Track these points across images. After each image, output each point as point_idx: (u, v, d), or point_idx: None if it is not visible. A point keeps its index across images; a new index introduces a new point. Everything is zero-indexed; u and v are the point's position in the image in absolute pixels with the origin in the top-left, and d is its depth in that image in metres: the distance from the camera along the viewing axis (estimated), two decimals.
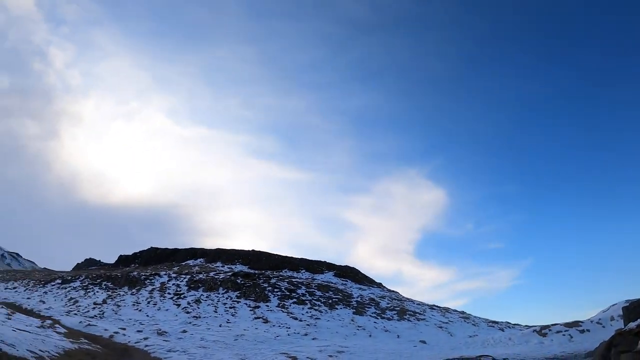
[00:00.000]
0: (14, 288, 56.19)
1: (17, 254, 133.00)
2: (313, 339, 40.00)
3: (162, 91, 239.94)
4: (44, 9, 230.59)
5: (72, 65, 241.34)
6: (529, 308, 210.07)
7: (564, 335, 37.79)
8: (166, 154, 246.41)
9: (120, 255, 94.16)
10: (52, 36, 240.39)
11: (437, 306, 68.26)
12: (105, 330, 35.15)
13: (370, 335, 44.32)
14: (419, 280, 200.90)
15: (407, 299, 73.46)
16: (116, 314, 44.33)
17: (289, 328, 43.46)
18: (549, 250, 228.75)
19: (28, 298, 49.53)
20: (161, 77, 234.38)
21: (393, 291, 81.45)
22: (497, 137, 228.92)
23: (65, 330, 30.99)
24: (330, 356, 32.01)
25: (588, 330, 38.01)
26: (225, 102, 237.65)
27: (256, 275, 63.97)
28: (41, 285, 56.89)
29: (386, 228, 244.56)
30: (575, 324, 39.45)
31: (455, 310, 67.73)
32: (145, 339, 33.57)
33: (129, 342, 32.38)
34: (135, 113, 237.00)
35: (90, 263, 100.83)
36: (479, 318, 62.67)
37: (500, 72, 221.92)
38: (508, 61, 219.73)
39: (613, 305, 43.83)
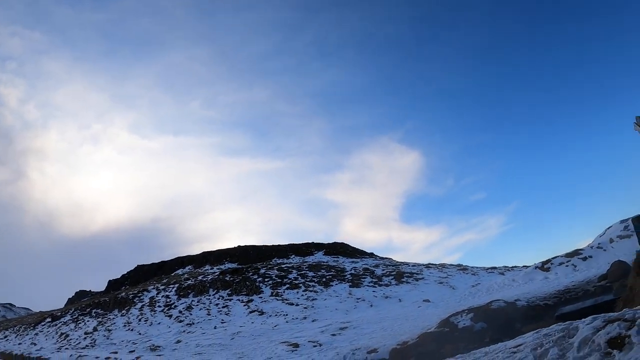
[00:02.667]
0: (5, 337, 54.46)
1: (11, 304, 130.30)
2: (313, 320, 38.50)
3: (122, 108, 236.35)
4: None
5: (26, 100, 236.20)
6: (524, 249, 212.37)
7: (567, 266, 36.57)
8: (138, 170, 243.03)
9: (109, 281, 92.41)
10: (0, 74, 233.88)
11: (433, 264, 67.34)
12: (97, 358, 33.15)
13: (371, 305, 42.89)
14: (411, 244, 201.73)
15: (402, 262, 72.47)
16: (108, 338, 42.54)
17: (286, 315, 41.88)
18: (531, 190, 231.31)
19: (19, 343, 47.82)
20: (119, 94, 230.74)
21: (386, 258, 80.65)
22: (463, 89, 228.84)
23: None
24: (334, 335, 30.52)
25: (590, 257, 36.79)
26: (187, 107, 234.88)
27: (244, 269, 62.16)
28: (32, 328, 55.10)
29: (369, 199, 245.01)
30: (576, 252, 38.27)
31: (452, 265, 66.91)
32: (138, 358, 31.64)
33: None
34: (99, 135, 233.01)
35: (81, 295, 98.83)
36: (477, 267, 61.80)
37: (460, 23, 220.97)
38: (466, 11, 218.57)
39: (608, 227, 42.81)
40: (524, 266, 54.79)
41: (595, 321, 9.00)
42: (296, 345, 28.77)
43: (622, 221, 39.73)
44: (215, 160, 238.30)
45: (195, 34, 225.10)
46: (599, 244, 39.10)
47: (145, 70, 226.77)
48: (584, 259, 37.05)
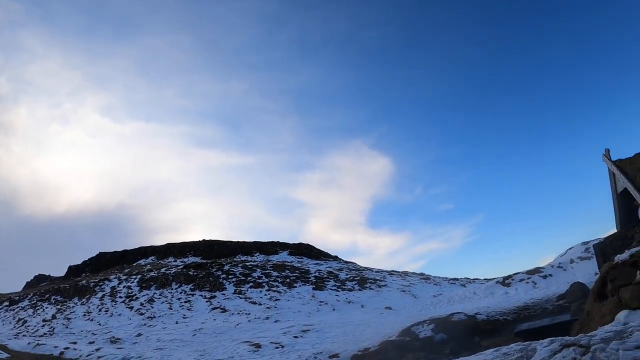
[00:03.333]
0: None
1: None
2: (275, 321, 38.71)
3: (95, 89, 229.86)
4: None
5: None
6: (486, 261, 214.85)
7: (527, 283, 37.42)
8: (107, 154, 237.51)
9: (70, 266, 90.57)
10: None
11: (395, 271, 67.94)
12: (55, 347, 32.77)
13: (334, 309, 43.28)
14: (375, 249, 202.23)
15: (365, 268, 73.00)
16: (67, 327, 42.01)
17: (249, 314, 42.03)
18: (497, 205, 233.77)
19: None
20: (93, 74, 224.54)
21: (350, 262, 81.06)
22: (439, 101, 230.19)
23: (9, 355, 28.70)
24: (296, 337, 30.78)
25: (550, 275, 37.68)
26: (162, 94, 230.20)
27: (208, 265, 62.02)
28: None
29: (337, 202, 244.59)
30: (537, 270, 39.16)
31: (414, 273, 67.63)
32: (98, 350, 31.46)
33: (80, 356, 30.28)
34: (69, 115, 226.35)
35: (40, 279, 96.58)
36: (439, 277, 62.59)
37: (440, 37, 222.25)
38: (447, 26, 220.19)
39: (570, 248, 43.80)
40: (485, 279, 55.71)
41: (552, 344, 9.47)
42: (258, 346, 28.95)
43: (583, 243, 40.67)
44: (185, 151, 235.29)
45: (177, 19, 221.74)
46: (559, 263, 40.01)
47: (122, 52, 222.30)
48: (545, 277, 37.93)
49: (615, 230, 21.98)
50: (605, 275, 12.79)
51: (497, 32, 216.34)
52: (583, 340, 9.00)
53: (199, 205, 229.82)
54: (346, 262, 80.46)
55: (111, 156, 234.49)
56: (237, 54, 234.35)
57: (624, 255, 12.44)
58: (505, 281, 39.02)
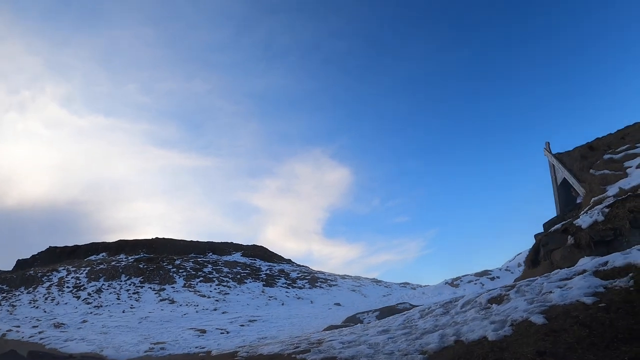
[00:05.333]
0: None
1: None
2: (223, 312, 38.63)
3: (56, 78, 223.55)
4: None
5: None
6: (440, 274, 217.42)
7: (475, 284, 38.29)
8: (63, 148, 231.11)
9: (18, 260, 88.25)
10: None
11: (348, 275, 68.29)
12: None
13: (283, 304, 43.40)
14: (330, 258, 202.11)
15: (318, 271, 73.11)
16: (11, 314, 41.09)
17: (197, 305, 41.79)
18: (452, 219, 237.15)
19: None
20: (55, 62, 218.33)
21: (303, 266, 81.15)
22: (400, 116, 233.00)
23: None
24: (242, 325, 30.83)
25: (498, 277, 38.69)
26: (124, 88, 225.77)
27: (160, 259, 61.42)
28: None
29: (293, 209, 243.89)
30: (485, 272, 40.15)
31: (367, 278, 68.04)
32: (41, 332, 30.93)
33: (22, 337, 29.75)
34: (27, 103, 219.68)
35: None
36: (391, 282, 63.17)
37: (405, 52, 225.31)
38: (412, 42, 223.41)
39: (518, 254, 44.94)
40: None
41: (481, 294, 9.87)
42: (203, 331, 28.94)
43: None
44: (144, 149, 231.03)
45: (144, 12, 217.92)
46: (507, 267, 41.04)
47: (86, 41, 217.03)
48: (492, 278, 38.85)
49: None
50: (539, 243, 13.32)
51: (457, 54, 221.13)
52: (511, 284, 9.42)
53: (154, 206, 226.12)
54: (299, 265, 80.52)
55: (67, 149, 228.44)
56: (202, 53, 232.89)
57: (558, 225, 12.99)
58: (454, 282, 39.82)
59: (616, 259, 8.39)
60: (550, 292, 8.04)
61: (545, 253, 12.66)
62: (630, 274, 7.45)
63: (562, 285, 8.23)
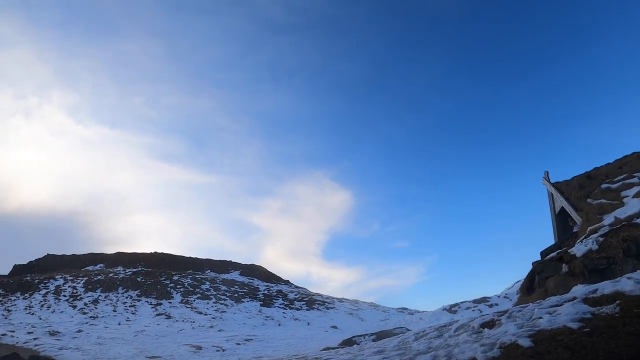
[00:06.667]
0: None
1: None
2: (219, 330, 38.62)
3: (63, 87, 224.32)
4: None
5: None
6: (438, 301, 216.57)
7: (473, 310, 38.30)
8: (66, 156, 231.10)
9: (15, 265, 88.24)
10: None
11: (346, 299, 68.21)
12: None
13: (279, 325, 43.41)
14: (328, 281, 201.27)
15: (316, 293, 73.03)
16: (6, 318, 41.19)
17: (194, 322, 41.80)
18: (452, 246, 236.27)
19: None
20: (63, 71, 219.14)
21: (301, 287, 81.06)
22: (405, 140, 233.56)
23: None
24: (238, 344, 30.84)
25: (496, 304, 38.69)
26: (130, 101, 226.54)
27: (158, 273, 61.45)
28: None
29: (293, 231, 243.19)
30: (484, 299, 40.19)
31: (365, 302, 67.93)
32: (36, 339, 31.01)
33: (17, 342, 29.79)
34: (34, 110, 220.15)
35: None
36: (388, 307, 63.05)
37: (412, 76, 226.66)
38: (420, 67, 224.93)
39: (517, 281, 44.90)
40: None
41: (474, 319, 10.05)
42: (199, 348, 28.96)
43: None
44: (147, 163, 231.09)
45: (156, 27, 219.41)
46: (506, 294, 41.03)
47: (95, 52, 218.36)
48: (490, 305, 38.86)
49: None
50: (534, 270, 13.50)
51: (461, 82, 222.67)
52: (503, 310, 9.60)
53: (154, 220, 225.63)
54: (297, 287, 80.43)
55: (70, 159, 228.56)
56: (209, 70, 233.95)
57: (554, 254, 13.18)
58: (452, 308, 39.80)
59: (605, 287, 8.61)
60: (540, 317, 8.25)
61: (540, 280, 12.86)
62: (618, 301, 7.67)
63: (552, 311, 8.44)
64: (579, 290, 9.68)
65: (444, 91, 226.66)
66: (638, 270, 10.79)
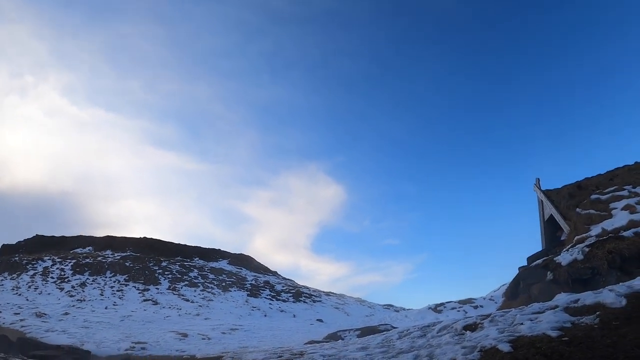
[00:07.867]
0: None
1: None
2: (206, 318, 38.74)
3: (60, 67, 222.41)
4: None
5: None
6: (424, 297, 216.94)
7: (458, 311, 38.62)
8: (60, 137, 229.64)
9: (3, 245, 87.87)
10: None
11: (333, 293, 68.42)
12: None
13: (265, 315, 43.59)
14: (317, 275, 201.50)
15: (303, 286, 73.21)
16: None
17: (180, 309, 41.92)
18: (442, 246, 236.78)
19: None
20: (61, 51, 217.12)
21: (288, 279, 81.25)
22: (403, 138, 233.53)
23: None
24: (224, 333, 31.03)
25: (481, 306, 39.01)
26: (127, 84, 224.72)
27: (146, 259, 61.54)
28: None
29: (284, 222, 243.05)
30: (469, 300, 40.51)
31: (351, 297, 68.20)
32: (22, 320, 31.12)
33: (3, 323, 29.90)
34: (29, 89, 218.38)
35: None
36: (375, 303, 63.35)
37: (414, 74, 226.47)
38: (423, 65, 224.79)
39: (503, 284, 45.26)
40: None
41: (458, 320, 10.25)
42: (185, 335, 29.14)
43: None
44: (141, 148, 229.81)
45: (158, 12, 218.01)
46: (491, 296, 41.36)
47: (94, 34, 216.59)
48: (475, 307, 39.20)
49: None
50: (520, 276, 13.73)
51: (461, 82, 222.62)
52: (486, 314, 9.79)
53: (145, 205, 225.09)
54: (285, 278, 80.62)
55: (64, 140, 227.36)
56: (208, 57, 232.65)
57: (539, 261, 13.40)
58: (437, 308, 40.13)
59: (587, 298, 8.83)
60: (521, 323, 8.47)
61: (525, 286, 13.10)
62: (598, 313, 7.89)
63: (534, 318, 8.65)
64: (562, 298, 9.90)
65: (446, 90, 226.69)
66: (621, 283, 11.01)
